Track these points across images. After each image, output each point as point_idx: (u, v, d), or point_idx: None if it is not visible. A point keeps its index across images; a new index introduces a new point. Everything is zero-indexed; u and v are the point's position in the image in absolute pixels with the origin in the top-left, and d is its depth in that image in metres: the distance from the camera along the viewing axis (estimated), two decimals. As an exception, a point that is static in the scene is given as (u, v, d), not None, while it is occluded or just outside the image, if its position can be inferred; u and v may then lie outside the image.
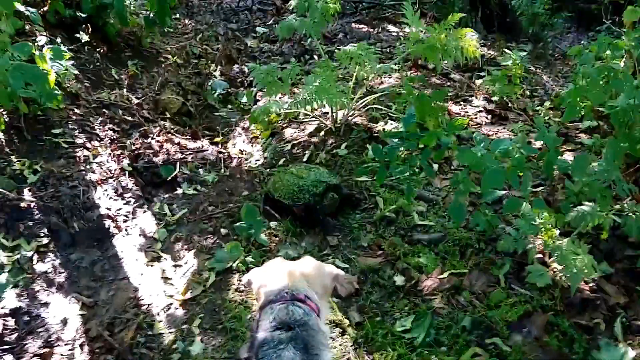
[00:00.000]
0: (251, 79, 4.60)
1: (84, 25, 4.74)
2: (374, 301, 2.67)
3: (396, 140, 2.74)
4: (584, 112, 3.02)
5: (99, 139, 3.89)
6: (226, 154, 4.11)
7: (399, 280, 2.75)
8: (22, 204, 3.18)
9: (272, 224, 3.21)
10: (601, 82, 2.80)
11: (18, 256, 2.93)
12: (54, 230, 3.12)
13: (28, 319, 2.67)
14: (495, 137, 3.70)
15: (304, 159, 3.77)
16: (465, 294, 2.64)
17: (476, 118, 4.11)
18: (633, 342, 2.36)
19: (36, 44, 3.78)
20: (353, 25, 6.45)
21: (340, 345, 2.46)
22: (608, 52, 3.10)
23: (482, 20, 6.51)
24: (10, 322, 2.64)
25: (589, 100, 2.86)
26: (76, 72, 4.15)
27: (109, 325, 2.67)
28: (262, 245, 3.03)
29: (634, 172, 2.86)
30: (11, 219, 3.10)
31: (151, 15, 5.07)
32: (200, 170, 3.82)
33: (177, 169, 3.73)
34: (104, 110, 4.18)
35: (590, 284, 2.59)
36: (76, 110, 4.01)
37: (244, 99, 4.86)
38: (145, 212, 3.42)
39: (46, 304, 2.76)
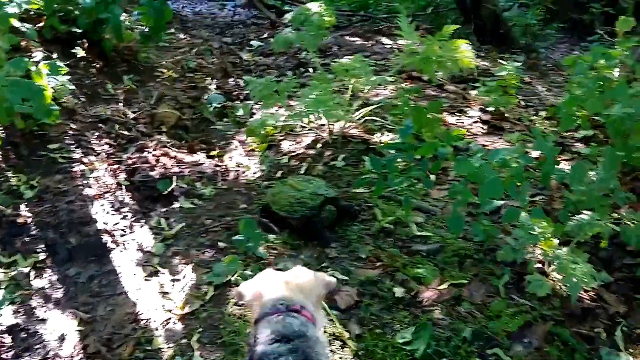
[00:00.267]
0: (247, 92, 4.61)
1: (80, 41, 4.77)
2: (374, 313, 2.65)
3: (394, 151, 2.76)
4: (580, 122, 3.04)
5: (95, 154, 3.88)
6: (223, 167, 4.10)
7: (399, 291, 2.73)
8: (19, 220, 3.17)
9: (270, 236, 3.20)
10: (596, 92, 2.82)
11: (15, 272, 2.91)
12: (51, 245, 3.10)
13: (25, 335, 2.64)
14: (491, 147, 3.71)
15: (301, 171, 3.77)
16: (465, 305, 2.63)
17: (472, 129, 4.13)
18: (634, 351, 2.36)
19: (32, 59, 3.78)
20: (347, 38, 6.49)
21: (340, 358, 2.44)
22: (602, 61, 3.13)
23: (474, 31, 6.55)
24: (7, 339, 2.60)
25: (584, 110, 2.89)
26: (72, 87, 4.15)
27: (107, 340, 2.64)
28: (260, 259, 3.01)
29: (631, 180, 2.88)
30: (8, 235, 3.08)
31: (146, 30, 5.10)
32: (197, 183, 3.80)
33: (174, 183, 3.71)
34: (100, 125, 4.17)
35: (590, 293, 2.60)
36: (72, 125, 4.01)
37: (240, 112, 4.86)
38: (142, 226, 3.40)
39: (43, 320, 2.73)
